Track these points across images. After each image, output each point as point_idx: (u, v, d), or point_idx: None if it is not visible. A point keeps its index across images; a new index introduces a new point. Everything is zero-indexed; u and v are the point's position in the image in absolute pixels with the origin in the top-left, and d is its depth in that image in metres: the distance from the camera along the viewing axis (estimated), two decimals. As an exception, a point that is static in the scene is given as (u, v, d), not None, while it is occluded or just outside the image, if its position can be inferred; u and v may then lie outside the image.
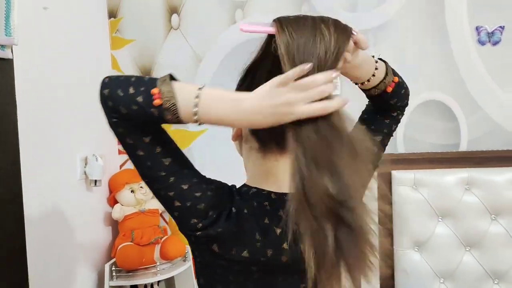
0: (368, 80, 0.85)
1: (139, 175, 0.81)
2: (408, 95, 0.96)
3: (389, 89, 0.88)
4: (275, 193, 0.85)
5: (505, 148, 2.00)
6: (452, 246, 1.91)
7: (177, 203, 0.79)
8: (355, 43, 0.76)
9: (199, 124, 0.72)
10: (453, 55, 2.05)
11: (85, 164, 1.90)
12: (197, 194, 0.79)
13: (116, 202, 2.07)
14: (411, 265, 1.94)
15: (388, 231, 2.00)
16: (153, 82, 0.72)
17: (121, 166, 2.24)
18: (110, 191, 2.10)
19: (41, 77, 1.64)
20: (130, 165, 2.20)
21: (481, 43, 2.04)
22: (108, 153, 2.09)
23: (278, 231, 0.81)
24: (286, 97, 0.68)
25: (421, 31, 2.06)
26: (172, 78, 0.74)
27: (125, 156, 2.23)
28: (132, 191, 2.04)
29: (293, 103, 0.68)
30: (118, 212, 1.99)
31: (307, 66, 0.67)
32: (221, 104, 0.71)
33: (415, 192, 1.93)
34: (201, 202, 0.79)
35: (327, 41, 0.70)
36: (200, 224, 0.78)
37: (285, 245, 0.81)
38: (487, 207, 1.89)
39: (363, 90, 0.90)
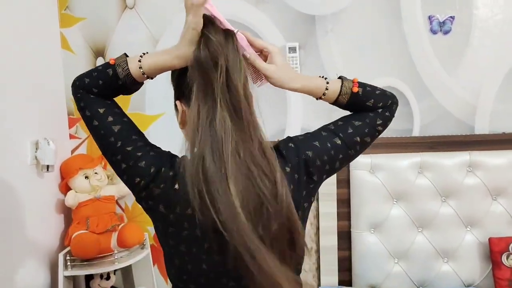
0: (324, 94, 0.98)
1: (99, 148, 0.93)
2: (389, 95, 1.02)
3: (355, 89, 0.98)
4: None
5: (454, 133, 2.10)
6: (406, 227, 1.99)
7: (123, 165, 0.89)
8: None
9: (145, 75, 0.91)
10: (407, 43, 2.11)
11: (36, 149, 1.79)
12: (139, 154, 0.88)
13: (68, 188, 1.97)
14: (367, 247, 2.00)
15: (345, 214, 2.05)
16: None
17: (72, 151, 2.13)
18: (62, 177, 2.00)
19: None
20: (82, 150, 2.12)
21: (433, 32, 2.11)
22: (59, 138, 1.98)
23: None
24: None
25: (377, 19, 2.10)
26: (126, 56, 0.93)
27: (77, 141, 2.14)
28: (86, 177, 1.96)
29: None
30: (72, 199, 1.90)
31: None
32: (158, 53, 0.91)
33: (371, 176, 1.99)
34: (142, 160, 0.88)
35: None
36: (143, 181, 0.87)
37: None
38: (438, 190, 1.98)
39: (335, 104, 1.01)
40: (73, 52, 2.11)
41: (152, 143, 0.94)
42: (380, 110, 1.01)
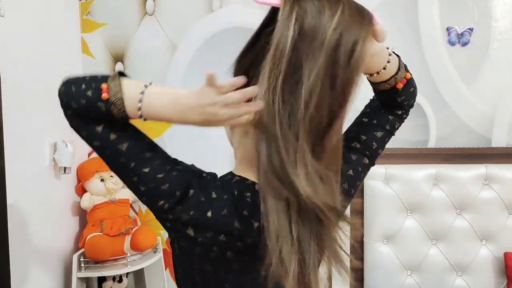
0: (378, 73, 0.82)
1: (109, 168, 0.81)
2: (416, 94, 0.93)
3: (400, 85, 0.86)
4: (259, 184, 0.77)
5: (470, 145, 2.08)
6: (420, 239, 1.98)
7: (142, 188, 0.77)
8: (372, 34, 0.73)
9: (143, 119, 0.74)
10: (424, 54, 2.10)
11: (54, 151, 1.83)
12: (159, 176, 0.77)
13: (84, 191, 2.00)
14: (380, 258, 1.99)
15: (359, 224, 2.04)
16: (104, 79, 0.74)
17: (89, 154, 2.16)
18: (78, 180, 2.03)
19: (9, 59, 1.56)
20: (99, 153, 2.14)
21: (451, 43, 2.10)
22: (76, 140, 2.01)
23: (256, 224, 0.78)
24: (213, 100, 0.69)
25: (395, 30, 2.10)
26: (122, 74, 0.76)
27: (94, 144, 2.16)
28: (102, 180, 1.98)
29: (217, 109, 0.70)
30: (87, 201, 1.93)
31: (241, 81, 0.69)
32: (163, 98, 0.73)
33: (386, 186, 1.98)
34: (165, 182, 0.77)
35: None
36: (167, 205, 0.77)
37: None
38: (453, 202, 1.96)
39: (371, 83, 0.88)
40: (93, 56, 2.14)
41: (168, 154, 0.82)
42: (400, 112, 0.93)
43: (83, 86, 0.74)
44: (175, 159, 0.82)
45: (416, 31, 2.09)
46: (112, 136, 0.75)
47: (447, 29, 2.09)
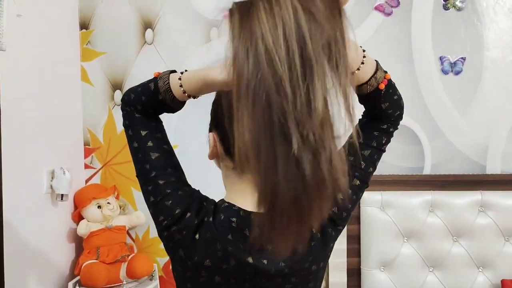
0: (358, 69, 0.80)
1: (135, 170, 0.88)
2: (402, 106, 0.92)
3: (382, 86, 0.84)
4: (244, 210, 0.82)
5: (465, 172, 2.10)
6: (416, 266, 1.97)
7: (152, 198, 0.83)
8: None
9: (184, 92, 0.81)
10: (418, 83, 2.14)
11: (52, 178, 1.83)
12: (168, 191, 0.82)
13: (81, 218, 2.00)
14: (377, 285, 1.98)
15: (355, 250, 2.04)
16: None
17: (87, 181, 2.17)
18: (75, 207, 2.03)
19: (8, 87, 1.58)
20: (96, 180, 2.15)
21: (444, 72, 2.15)
22: (74, 167, 2.03)
23: (241, 246, 0.80)
24: None
25: (389, 60, 2.14)
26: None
27: (92, 171, 2.17)
28: (99, 207, 1.98)
29: None
30: (84, 228, 1.92)
31: None
32: (196, 71, 0.81)
33: (382, 213, 1.98)
34: (170, 199, 0.82)
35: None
36: (166, 222, 0.81)
37: (249, 259, 0.80)
38: (449, 229, 1.96)
39: (355, 90, 0.85)
40: (92, 84, 2.17)
41: (185, 177, 0.88)
42: (385, 126, 0.92)
43: (141, 83, 0.87)
44: (186, 182, 0.87)
45: (410, 60, 2.14)
46: (150, 143, 0.86)
47: (440, 58, 2.14)
